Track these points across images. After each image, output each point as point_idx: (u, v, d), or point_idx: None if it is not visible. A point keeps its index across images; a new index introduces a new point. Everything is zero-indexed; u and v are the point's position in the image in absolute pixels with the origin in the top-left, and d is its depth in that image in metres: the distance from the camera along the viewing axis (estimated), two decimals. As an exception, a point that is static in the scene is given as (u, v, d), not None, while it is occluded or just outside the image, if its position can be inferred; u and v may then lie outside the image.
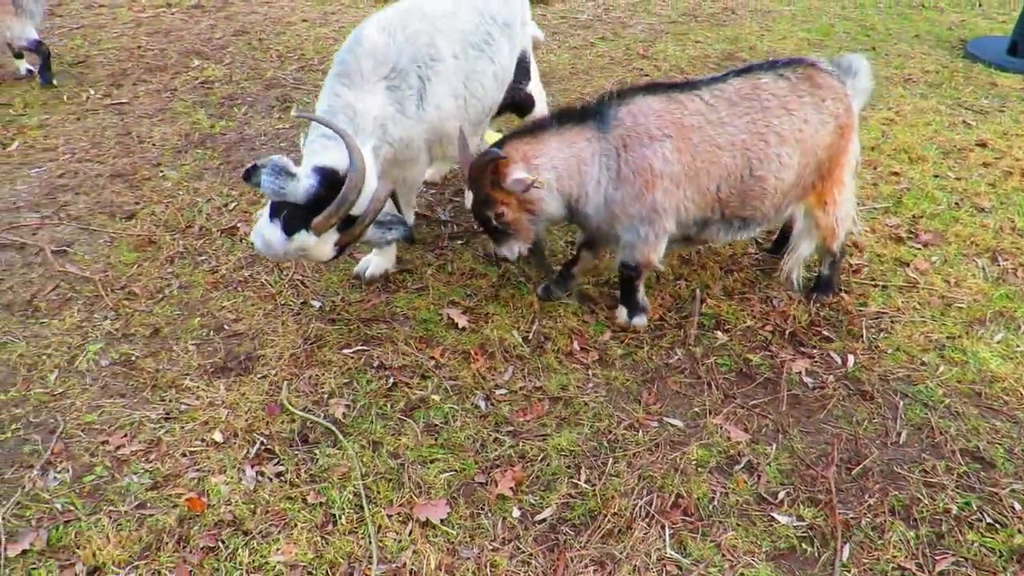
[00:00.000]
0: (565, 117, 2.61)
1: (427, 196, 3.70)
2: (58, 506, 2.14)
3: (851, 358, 2.75)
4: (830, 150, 2.69)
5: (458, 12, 2.83)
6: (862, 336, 2.86)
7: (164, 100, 4.57)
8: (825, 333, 2.87)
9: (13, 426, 2.39)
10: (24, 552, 2.01)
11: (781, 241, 3.21)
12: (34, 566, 1.98)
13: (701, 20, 6.58)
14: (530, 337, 2.82)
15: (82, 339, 2.75)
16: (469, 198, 2.59)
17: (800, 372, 2.69)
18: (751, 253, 3.35)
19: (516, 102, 3.26)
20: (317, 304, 2.96)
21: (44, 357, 2.66)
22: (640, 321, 2.85)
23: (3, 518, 2.09)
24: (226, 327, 2.84)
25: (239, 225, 3.40)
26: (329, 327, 2.83)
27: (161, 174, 3.78)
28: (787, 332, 2.87)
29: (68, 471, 2.25)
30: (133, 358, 2.67)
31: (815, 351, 2.79)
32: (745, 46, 5.92)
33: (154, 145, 4.05)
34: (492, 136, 2.76)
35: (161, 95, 4.63)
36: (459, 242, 3.35)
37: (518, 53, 3.15)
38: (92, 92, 4.61)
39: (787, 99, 2.60)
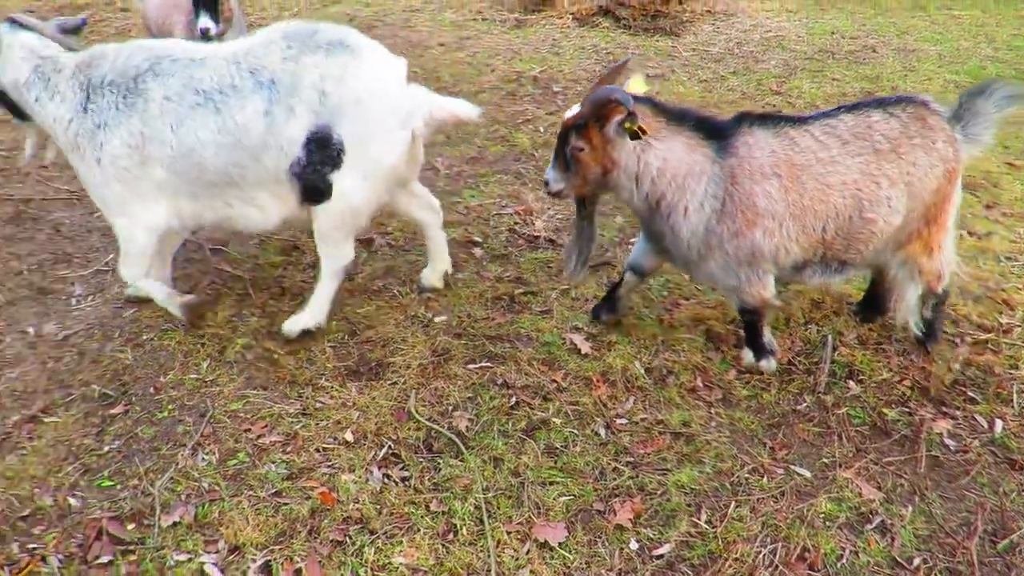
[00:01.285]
0: (703, 125, 2.54)
1: (555, 220, 3.77)
2: (205, 485, 2.31)
3: (999, 423, 2.57)
4: (938, 194, 2.56)
5: (208, 59, 2.65)
6: (1012, 401, 2.67)
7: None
8: (970, 394, 2.71)
9: (170, 407, 2.61)
10: (174, 524, 2.18)
11: (869, 302, 3.05)
12: (183, 538, 2.14)
13: (839, 57, 6.39)
14: (652, 369, 2.81)
15: (232, 332, 2.97)
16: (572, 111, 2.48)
17: (941, 433, 2.54)
18: (888, 302, 3.20)
19: (304, 184, 2.65)
20: (444, 318, 3.06)
21: (199, 346, 2.89)
22: (768, 365, 2.78)
23: (158, 490, 2.28)
24: (360, 333, 2.98)
25: (375, 237, 3.58)
26: (455, 341, 2.92)
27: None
28: (927, 389, 2.72)
29: (215, 453, 2.43)
30: (275, 355, 2.85)
31: (958, 412, 2.63)
32: (887, 85, 5.70)
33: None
34: (639, 83, 2.56)
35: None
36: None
37: (307, 125, 2.58)
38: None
39: (898, 141, 2.49)
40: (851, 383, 2.76)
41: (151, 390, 2.68)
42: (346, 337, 2.96)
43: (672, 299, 3.20)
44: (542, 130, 4.79)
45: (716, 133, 2.52)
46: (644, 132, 2.37)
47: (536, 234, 3.65)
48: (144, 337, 2.93)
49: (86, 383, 2.71)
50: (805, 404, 2.67)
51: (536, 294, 3.21)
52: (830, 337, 2.90)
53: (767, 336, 2.77)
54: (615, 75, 2.56)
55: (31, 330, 2.96)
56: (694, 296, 3.22)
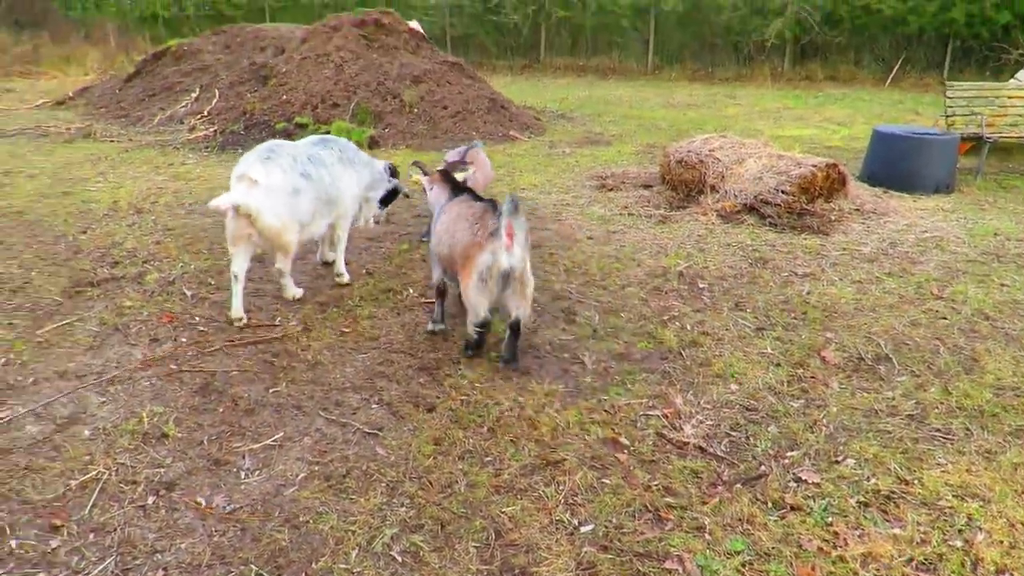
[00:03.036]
0: (457, 187, 4.69)
1: (705, 426, 3.68)
2: None
3: None
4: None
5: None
6: None
7: (467, 303, 5.20)
8: None
9: (318, 598, 2.65)
10: None
11: None
12: None
13: (1006, 261, 6.09)
14: (818, 610, 2.55)
15: (381, 521, 3.04)
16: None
17: None
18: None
19: None
20: (590, 527, 2.99)
21: (349, 533, 2.97)
22: (432, 327, 4.72)
23: None
24: (504, 535, 2.96)
25: (523, 431, 3.64)
26: (601, 555, 2.82)
27: (460, 372, 4.23)
28: None
29: (356, 656, 2.41)
30: (421, 552, 2.87)
31: None
32: (1066, 295, 5.31)
33: (456, 344, 4.58)
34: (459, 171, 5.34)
35: (464, 298, 5.29)
36: (738, 484, 3.24)
37: None
38: (411, 291, 5.40)
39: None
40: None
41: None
42: (490, 537, 2.95)
43: (837, 526, 2.96)
44: (689, 327, 4.81)
45: (456, 190, 4.62)
46: (422, 178, 4.99)
47: (685, 440, 3.57)
48: (301, 519, 3.06)
49: (245, 561, 2.83)
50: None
51: (687, 508, 3.08)
52: (1031, 592, 2.55)
53: (439, 310, 4.69)
54: (455, 165, 5.38)
55: (203, 501, 3.17)
56: (861, 527, 2.97)
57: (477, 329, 4.19)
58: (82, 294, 5.22)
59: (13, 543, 2.87)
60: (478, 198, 4.40)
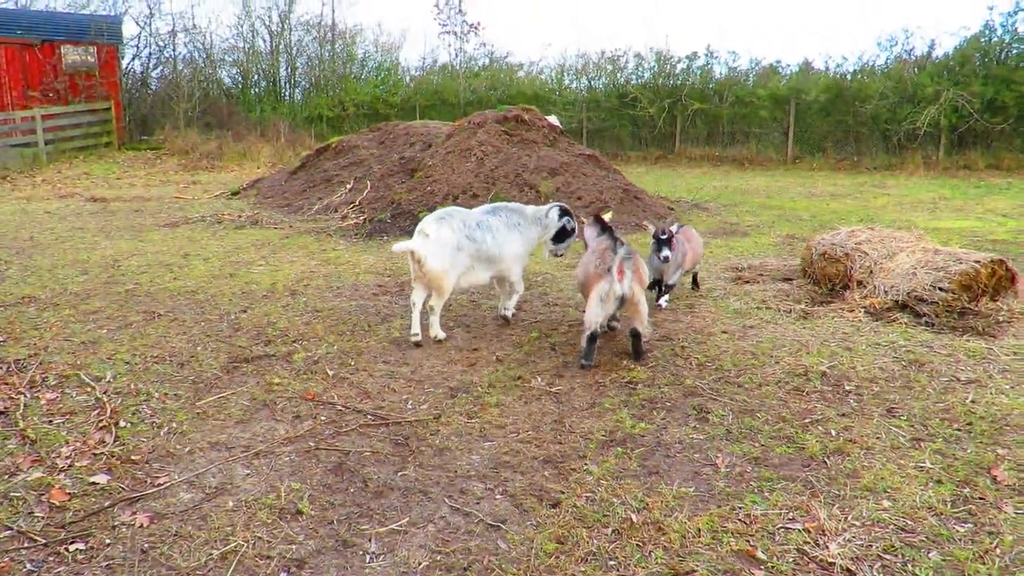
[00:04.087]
0: (605, 228, 5.98)
1: (855, 545, 3.34)
2: None
3: None
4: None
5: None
6: None
7: (594, 395, 5.13)
8: None
9: None
10: None
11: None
12: None
13: None
14: None
15: (499, 621, 2.96)
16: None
17: None
18: None
19: None
20: (722, 650, 2.76)
21: (467, 630, 2.91)
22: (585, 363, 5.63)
23: None
24: (627, 649, 2.79)
25: (650, 536, 3.47)
26: None
27: (585, 467, 4.14)
28: None
29: None
30: (540, 657, 2.76)
31: None
32: None
33: (582, 437, 4.50)
34: (608, 214, 6.41)
35: (592, 390, 5.22)
36: (893, 617, 2.90)
37: None
38: (538, 380, 5.41)
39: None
40: None
41: (419, 673, 2.71)
42: (612, 651, 2.78)
43: None
44: (834, 433, 4.47)
45: (602, 231, 5.94)
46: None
47: (831, 560, 3.25)
48: (421, 610, 3.04)
49: (364, 649, 2.83)
50: None
51: (832, 640, 2.79)
52: None
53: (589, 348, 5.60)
54: (601, 212, 6.46)
55: (329, 582, 3.24)
56: None
57: (588, 342, 5.51)
58: (238, 369, 5.65)
59: (158, 607, 3.05)
60: (612, 238, 5.67)
